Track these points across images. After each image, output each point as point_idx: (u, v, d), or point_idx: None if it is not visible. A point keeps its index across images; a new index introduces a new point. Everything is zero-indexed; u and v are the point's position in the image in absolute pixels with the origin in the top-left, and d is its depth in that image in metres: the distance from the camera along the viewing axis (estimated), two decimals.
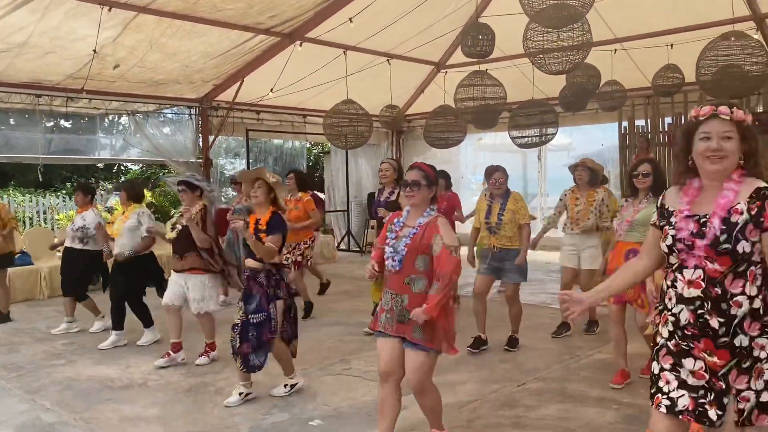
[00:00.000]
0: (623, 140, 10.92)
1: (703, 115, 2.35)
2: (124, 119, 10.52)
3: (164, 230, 5.88)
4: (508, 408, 4.27)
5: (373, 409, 4.30)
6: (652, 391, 2.41)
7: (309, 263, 7.58)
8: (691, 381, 2.33)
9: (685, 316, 2.34)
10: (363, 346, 5.87)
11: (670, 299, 2.40)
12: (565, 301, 2.60)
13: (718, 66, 7.16)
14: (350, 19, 8.48)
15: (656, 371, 2.42)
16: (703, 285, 2.30)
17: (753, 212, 2.27)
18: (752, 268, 2.29)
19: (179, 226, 5.38)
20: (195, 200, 5.40)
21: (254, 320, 4.33)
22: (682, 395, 2.33)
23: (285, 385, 4.62)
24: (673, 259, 2.40)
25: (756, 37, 7.87)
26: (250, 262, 4.48)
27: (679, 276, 2.36)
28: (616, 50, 9.51)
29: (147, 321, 6.22)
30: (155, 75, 9.26)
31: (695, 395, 2.31)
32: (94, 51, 7.72)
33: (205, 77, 9.79)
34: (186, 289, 5.36)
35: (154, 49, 8.43)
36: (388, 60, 10.33)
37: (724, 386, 2.30)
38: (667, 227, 2.42)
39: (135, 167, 17.94)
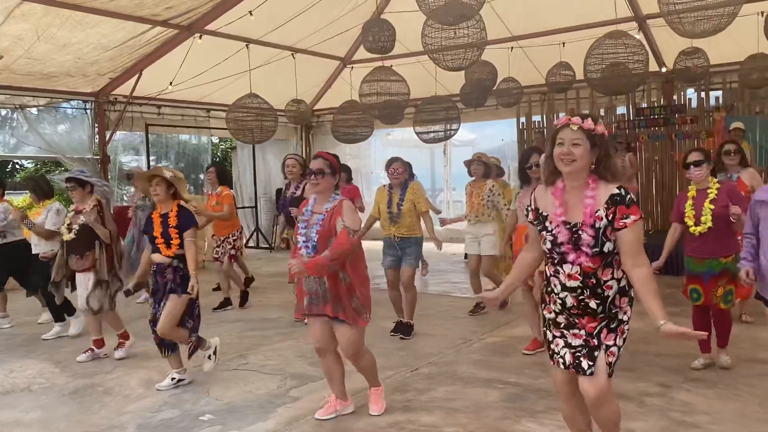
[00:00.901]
0: (521, 135, 11.35)
1: (560, 125, 2.71)
2: (9, 114, 9.95)
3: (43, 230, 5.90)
4: (399, 393, 4.37)
5: (267, 402, 4.33)
6: (549, 353, 2.88)
7: (240, 254, 7.69)
8: (572, 342, 2.77)
9: (569, 300, 2.75)
10: (263, 341, 5.85)
11: (555, 286, 2.78)
12: (483, 299, 3.16)
13: (604, 64, 7.55)
14: (250, 12, 8.40)
15: (549, 338, 2.87)
16: (581, 278, 2.71)
17: (609, 217, 2.65)
18: (616, 257, 2.71)
19: (76, 226, 5.26)
20: (86, 197, 5.34)
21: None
22: (566, 353, 2.78)
23: (172, 378, 4.63)
24: (554, 255, 2.76)
25: (638, 36, 8.36)
26: (156, 257, 4.54)
27: (560, 269, 2.75)
28: (512, 48, 9.87)
29: (58, 316, 6.24)
30: (45, 67, 8.82)
31: (573, 351, 2.76)
32: None
33: (100, 70, 9.42)
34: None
35: (42, 40, 8.03)
36: (292, 54, 10.29)
37: (596, 343, 2.73)
38: (544, 233, 2.77)
39: (29, 164, 17.00)
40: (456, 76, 8.95)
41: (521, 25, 9.68)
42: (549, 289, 2.82)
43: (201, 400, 4.37)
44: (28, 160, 15.19)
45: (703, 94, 9.74)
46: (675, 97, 9.91)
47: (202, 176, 13.94)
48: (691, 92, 9.90)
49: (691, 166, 4.55)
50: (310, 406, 4.18)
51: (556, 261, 2.75)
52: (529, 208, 2.87)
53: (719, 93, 9.64)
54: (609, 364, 2.70)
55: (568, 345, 2.78)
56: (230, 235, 7.34)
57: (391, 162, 5.92)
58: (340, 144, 11.36)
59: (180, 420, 4.03)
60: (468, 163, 6.71)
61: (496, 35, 9.50)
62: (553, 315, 2.83)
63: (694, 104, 9.81)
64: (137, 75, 9.67)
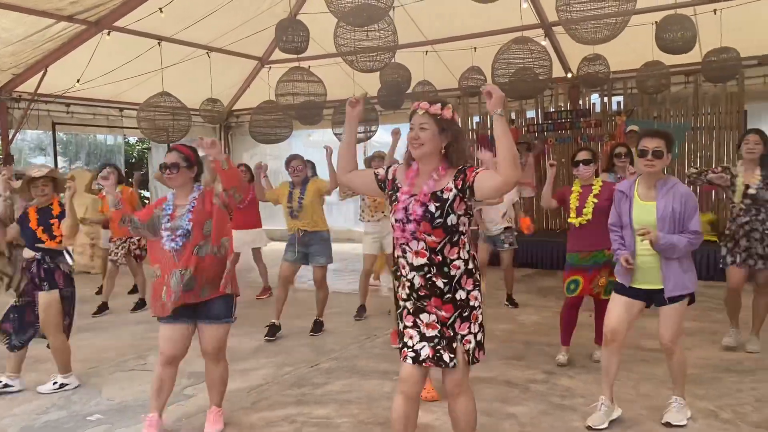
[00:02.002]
0: None
1: (412, 110, 2.80)
2: None
3: None
4: (296, 387, 4.42)
5: None
6: (399, 346, 2.82)
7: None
8: (427, 333, 2.76)
9: (417, 280, 2.75)
10: None
11: (403, 267, 2.79)
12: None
13: (509, 69, 7.83)
14: (160, 9, 8.24)
15: (401, 329, 2.84)
16: (427, 254, 2.73)
17: (459, 186, 2.70)
18: (462, 237, 2.77)
19: None
20: None
21: (18, 303, 4.46)
22: (424, 346, 2.75)
23: (54, 383, 4.51)
24: (398, 233, 2.77)
25: (544, 43, 8.71)
26: (26, 253, 4.47)
27: (407, 248, 2.76)
28: (427, 52, 10.08)
29: None
30: None
31: (432, 344, 2.75)
32: None
33: (1, 65, 9.02)
34: None
35: None
36: (207, 53, 10.15)
37: (452, 333, 2.76)
38: (395, 203, 2.80)
39: None
40: (374, 79, 9.08)
41: (434, 30, 9.89)
42: (399, 273, 2.84)
43: (92, 400, 4.29)
44: None
45: (606, 99, 10.22)
46: (581, 102, 10.36)
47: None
48: (595, 97, 10.37)
49: (580, 164, 4.80)
50: (204, 403, 4.16)
51: (400, 240, 2.78)
52: (387, 178, 2.87)
53: (620, 98, 10.15)
54: (467, 353, 2.76)
55: (424, 338, 2.76)
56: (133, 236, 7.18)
57: (291, 160, 6.01)
58: (259, 145, 11.31)
59: (66, 421, 3.94)
60: (367, 162, 6.89)
61: (411, 39, 9.71)
62: (403, 303, 2.84)
63: (598, 109, 10.28)
64: (42, 71, 9.31)
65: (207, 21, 9.00)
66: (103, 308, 7.08)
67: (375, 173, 2.91)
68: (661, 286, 3.56)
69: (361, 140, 9.95)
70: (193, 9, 8.64)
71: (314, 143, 14.36)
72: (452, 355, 2.74)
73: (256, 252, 8.08)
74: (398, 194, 2.80)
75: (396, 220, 2.77)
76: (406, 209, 2.74)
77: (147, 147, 14.61)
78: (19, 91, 9.82)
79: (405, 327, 2.82)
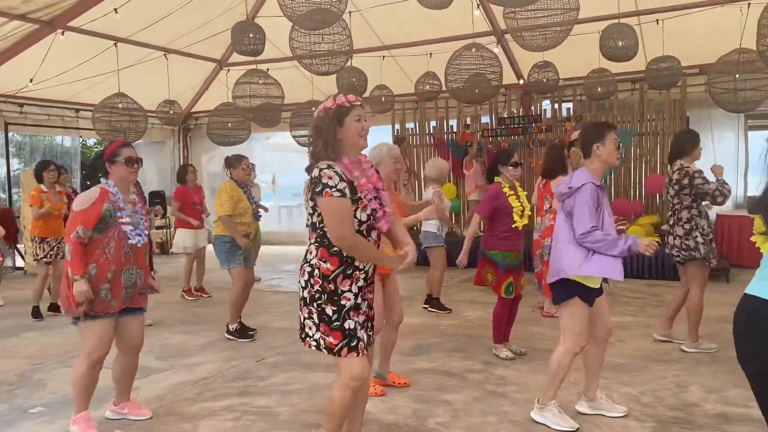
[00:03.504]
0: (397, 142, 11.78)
1: (354, 102, 2.80)
2: None
3: None
4: (241, 380, 4.52)
5: (106, 394, 4.30)
6: (353, 344, 2.76)
7: None
8: (362, 320, 2.84)
9: (371, 271, 2.87)
10: None
11: (362, 261, 2.79)
12: None
13: (462, 75, 8.02)
14: (115, 9, 8.25)
15: (352, 326, 2.77)
16: (379, 242, 2.91)
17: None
18: None
19: None
20: None
21: None
22: (362, 334, 2.83)
23: None
24: (363, 228, 2.77)
25: (496, 50, 8.96)
26: None
27: (369, 239, 2.82)
28: (384, 56, 10.25)
29: None
30: None
31: (365, 329, 2.86)
32: None
33: None
34: None
35: None
36: (165, 54, 10.16)
37: (371, 313, 2.94)
38: (363, 200, 2.75)
39: None
40: (332, 82, 9.20)
41: (391, 35, 10.08)
42: (350, 270, 2.76)
43: (35, 394, 4.32)
44: None
45: (556, 105, 10.53)
46: (532, 108, 10.65)
47: (74, 180, 13.40)
48: (546, 103, 10.68)
49: (518, 166, 4.96)
50: (149, 395, 4.25)
51: (364, 233, 2.78)
52: (340, 184, 2.68)
53: (570, 104, 10.48)
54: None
55: (364, 328, 2.84)
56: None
57: (242, 158, 6.02)
58: (218, 147, 11.32)
59: (7, 413, 3.97)
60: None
61: (367, 44, 9.89)
62: (352, 299, 2.77)
63: (549, 114, 10.59)
64: None
65: (164, 22, 9.04)
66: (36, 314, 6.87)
67: (350, 201, 2.71)
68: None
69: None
70: (149, 10, 8.67)
71: (273, 145, 14.44)
72: (371, 333, 2.92)
73: (201, 251, 8.05)
74: (358, 193, 2.75)
75: (368, 216, 2.77)
76: (374, 202, 2.80)
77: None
78: None
79: (357, 324, 2.78)
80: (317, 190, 2.69)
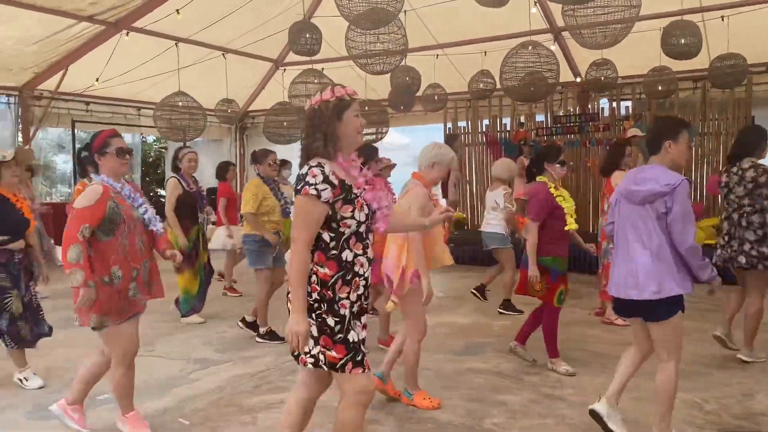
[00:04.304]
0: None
1: (352, 95, 2.60)
2: None
3: None
4: (296, 374, 4.55)
5: (165, 383, 4.48)
6: (358, 359, 2.52)
7: None
8: (362, 335, 2.59)
9: (369, 275, 2.65)
10: (174, 331, 5.99)
11: (361, 266, 2.57)
12: None
13: (518, 73, 7.94)
14: (177, 10, 8.48)
15: (356, 339, 2.53)
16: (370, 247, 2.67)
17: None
18: None
19: None
20: None
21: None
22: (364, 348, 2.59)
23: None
24: (362, 229, 2.57)
25: (553, 48, 8.83)
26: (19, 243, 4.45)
27: (367, 242, 2.61)
28: (437, 55, 10.23)
29: None
30: None
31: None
32: None
33: (23, 64, 9.33)
34: None
35: None
36: (223, 54, 10.39)
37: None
38: (356, 200, 2.54)
39: None
40: (386, 82, 9.26)
41: (445, 34, 10.05)
42: (350, 276, 2.54)
43: (101, 382, 4.45)
44: None
45: (614, 103, 10.31)
46: (590, 106, 10.45)
47: (133, 176, 13.85)
48: (604, 102, 10.47)
49: (561, 165, 4.69)
50: (209, 386, 4.37)
51: (363, 235, 2.59)
52: (328, 185, 2.46)
53: (629, 103, 10.24)
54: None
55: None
56: None
57: (267, 153, 5.94)
58: (273, 145, 11.51)
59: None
60: None
61: (421, 43, 9.88)
62: (350, 308, 2.54)
63: (606, 113, 10.37)
64: (63, 70, 9.61)
65: (223, 23, 9.25)
66: None
67: (323, 203, 2.47)
68: None
69: (371, 142, 10.12)
70: (209, 11, 8.89)
71: None
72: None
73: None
74: (354, 190, 2.56)
75: (366, 215, 2.58)
76: (370, 203, 2.62)
77: (164, 146, 14.91)
78: (41, 90, 10.13)
79: (359, 336, 2.56)
80: (298, 187, 2.49)
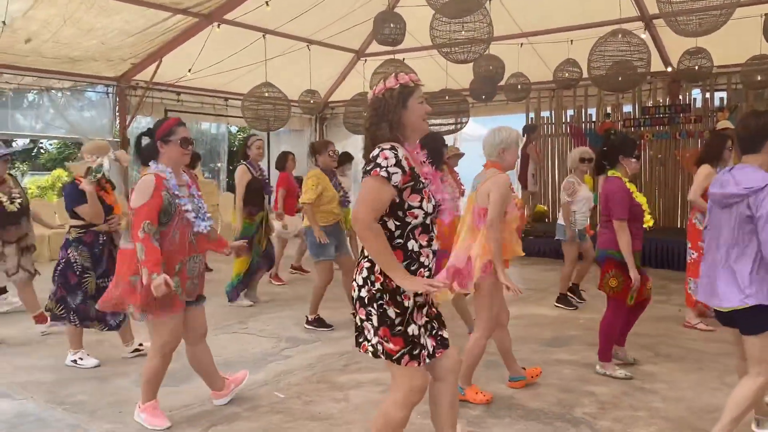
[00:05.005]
0: None
1: (416, 82, 2.55)
2: (36, 96, 10.41)
3: None
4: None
5: (260, 359, 4.68)
6: (415, 352, 2.47)
7: None
8: (424, 322, 2.54)
9: (433, 266, 2.59)
10: (262, 310, 6.23)
11: (427, 257, 2.53)
12: None
13: (605, 61, 7.75)
14: (266, 2, 8.72)
15: (416, 332, 2.48)
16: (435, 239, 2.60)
17: None
18: None
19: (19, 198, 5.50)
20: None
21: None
22: (428, 342, 2.54)
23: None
24: (428, 220, 2.52)
25: (644, 36, 8.55)
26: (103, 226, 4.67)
27: (432, 234, 2.56)
28: (522, 44, 10.09)
29: None
30: (71, 51, 9.24)
31: (433, 333, 2.58)
32: (3, 22, 7.69)
33: (122, 55, 9.82)
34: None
35: (68, 24, 8.43)
36: (307, 45, 10.60)
37: (435, 312, 2.66)
38: (424, 189, 2.50)
39: (51, 147, 17.58)
40: (466, 71, 9.22)
41: (530, 22, 9.89)
42: (415, 266, 2.50)
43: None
44: (51, 143, 15.69)
45: (707, 94, 9.88)
46: (681, 97, 10.06)
47: (219, 164, 14.39)
48: (696, 92, 10.05)
49: (637, 159, 4.41)
50: (301, 363, 4.53)
51: (429, 227, 2.54)
52: (399, 170, 2.41)
53: (723, 93, 9.78)
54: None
55: (427, 330, 2.56)
56: None
57: (328, 143, 5.98)
58: (352, 135, 11.69)
59: (180, 370, 4.37)
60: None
61: (506, 31, 9.77)
62: (412, 299, 2.50)
63: (698, 104, 9.95)
64: (158, 61, 10.06)
65: (308, 15, 9.44)
66: None
67: (393, 187, 2.42)
68: None
69: (450, 132, 10.10)
70: (296, 3, 9.09)
71: None
72: (446, 331, 2.65)
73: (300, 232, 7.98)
74: (422, 179, 2.52)
75: (433, 207, 2.54)
76: (440, 193, 2.61)
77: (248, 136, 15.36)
78: (137, 80, 10.66)
79: (419, 327, 2.51)
80: (368, 168, 2.43)
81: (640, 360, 4.58)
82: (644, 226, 4.28)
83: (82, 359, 4.62)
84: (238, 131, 17.57)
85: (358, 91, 10.31)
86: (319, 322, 5.61)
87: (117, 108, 10.68)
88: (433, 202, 2.51)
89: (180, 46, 9.77)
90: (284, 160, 8.33)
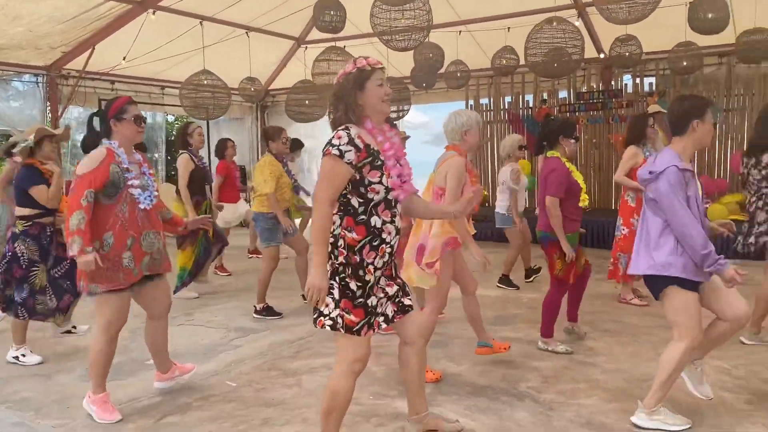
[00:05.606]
0: None
1: (375, 65, 2.67)
2: None
3: None
4: (333, 340, 4.72)
5: (210, 349, 4.65)
6: (371, 322, 2.63)
7: None
8: (390, 291, 2.76)
9: (395, 244, 2.73)
10: (209, 302, 6.18)
11: (389, 233, 2.66)
12: None
13: (542, 49, 7.95)
14: None
15: (374, 303, 2.65)
16: (402, 215, 2.78)
17: None
18: None
19: None
20: None
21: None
22: (388, 306, 2.75)
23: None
24: (390, 196, 2.65)
25: (577, 23, 8.82)
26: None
27: (396, 211, 2.69)
28: (460, 32, 10.23)
29: None
30: None
31: (395, 300, 2.78)
32: None
33: (52, 43, 9.44)
34: None
35: None
36: (246, 32, 10.45)
37: (401, 280, 2.87)
38: (383, 167, 2.62)
39: None
40: (407, 59, 9.29)
41: (468, 10, 10.02)
42: (377, 242, 2.63)
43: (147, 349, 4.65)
44: None
45: (638, 79, 10.28)
46: (613, 83, 10.44)
47: (157, 155, 14.02)
48: (627, 78, 10.44)
49: (576, 140, 4.57)
50: (251, 352, 4.54)
51: (392, 203, 2.67)
52: (352, 148, 2.54)
53: (653, 79, 10.20)
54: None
55: (389, 298, 2.75)
56: None
57: (281, 130, 5.96)
58: (295, 123, 11.63)
59: (127, 364, 4.33)
60: None
61: (445, 19, 9.87)
62: (376, 273, 2.65)
63: (629, 89, 10.35)
64: (90, 49, 9.71)
65: (246, 1, 9.30)
66: None
67: (347, 164, 2.56)
68: None
69: (393, 119, 10.17)
70: None
71: None
72: (410, 298, 2.84)
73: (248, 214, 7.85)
74: (381, 157, 2.63)
75: (393, 184, 2.67)
76: (403, 170, 2.72)
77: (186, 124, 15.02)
78: (68, 69, 10.26)
79: (378, 299, 2.68)
80: (323, 149, 2.57)
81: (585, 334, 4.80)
82: (580, 205, 4.44)
83: (24, 356, 4.49)
84: (175, 120, 17.15)
85: (299, 79, 10.24)
86: (267, 311, 5.60)
87: (48, 98, 10.27)
88: (393, 178, 2.63)
89: (113, 33, 9.45)
90: (223, 148, 8.22)
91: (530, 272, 7.07)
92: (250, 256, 8.53)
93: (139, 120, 3.44)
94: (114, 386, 3.79)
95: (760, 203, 4.53)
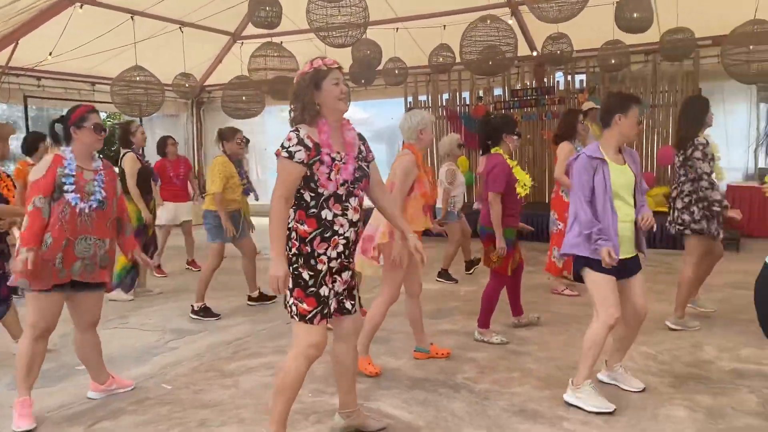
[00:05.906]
0: None
1: (331, 65, 2.78)
2: None
3: None
4: (273, 341, 4.73)
5: (144, 352, 4.56)
6: (325, 312, 2.77)
7: None
8: (339, 289, 2.86)
9: (352, 236, 2.84)
10: (143, 304, 6.05)
11: (341, 225, 2.77)
12: None
13: (477, 47, 8.09)
14: None
15: (326, 293, 2.77)
16: (359, 209, 2.88)
17: (363, 151, 2.93)
18: None
19: None
20: None
21: None
22: (332, 302, 2.84)
23: None
24: (341, 191, 2.75)
25: (510, 21, 9.01)
26: None
27: (348, 205, 2.79)
28: (397, 29, 10.30)
29: None
30: None
31: (338, 297, 2.88)
32: None
33: None
34: None
35: None
36: (180, 27, 10.22)
37: (354, 283, 2.98)
38: (335, 164, 2.73)
39: None
40: (345, 56, 9.27)
41: (405, 7, 10.10)
42: (328, 234, 2.75)
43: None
44: None
45: (569, 77, 10.60)
46: (546, 80, 10.72)
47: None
48: (559, 75, 10.74)
49: (518, 137, 4.76)
50: (188, 353, 4.47)
51: (343, 198, 2.76)
52: (302, 147, 2.67)
53: (583, 76, 10.53)
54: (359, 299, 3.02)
55: (335, 294, 2.85)
56: None
57: (237, 131, 5.97)
58: (231, 120, 11.45)
59: (57, 370, 4.19)
60: None
61: (381, 16, 9.91)
62: (327, 264, 2.76)
63: (561, 86, 10.66)
64: (14, 44, 9.30)
65: None
66: None
67: (297, 163, 2.68)
68: (634, 254, 3.49)
69: None
70: None
71: (287, 119, 14.51)
72: (353, 302, 2.95)
73: (187, 225, 7.98)
74: (330, 155, 2.72)
75: (344, 179, 2.76)
76: (350, 167, 2.78)
77: (118, 122, 14.58)
78: None
79: (330, 290, 2.79)
80: (276, 151, 2.71)
81: (511, 326, 4.93)
82: (518, 191, 4.58)
83: None
84: (107, 117, 16.62)
85: (235, 75, 10.09)
86: (205, 312, 5.51)
87: None
88: (343, 174, 2.75)
89: (38, 27, 9.08)
90: (164, 145, 8.05)
91: (470, 264, 7.22)
92: (188, 267, 8.21)
93: (99, 128, 3.51)
94: (43, 393, 3.69)
95: (679, 191, 4.79)
